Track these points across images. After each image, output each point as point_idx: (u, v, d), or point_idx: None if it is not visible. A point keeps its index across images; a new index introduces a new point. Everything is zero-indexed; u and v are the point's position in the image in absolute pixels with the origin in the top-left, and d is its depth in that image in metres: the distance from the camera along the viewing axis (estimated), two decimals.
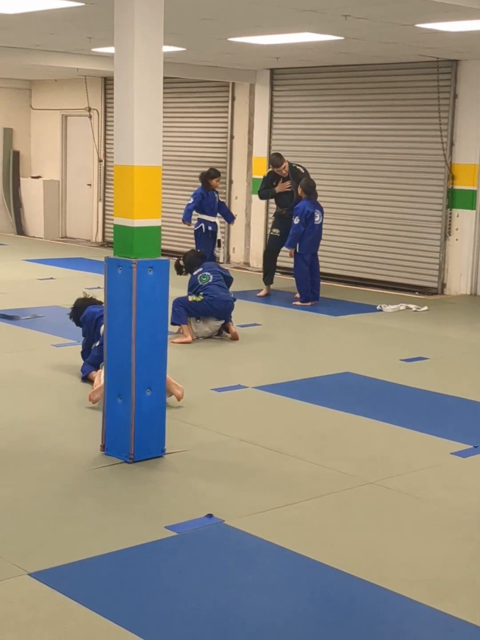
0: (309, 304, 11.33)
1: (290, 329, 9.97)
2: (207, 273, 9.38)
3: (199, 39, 10.77)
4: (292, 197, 11.73)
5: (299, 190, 11.46)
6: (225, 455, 5.84)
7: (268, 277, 12.08)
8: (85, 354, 7.58)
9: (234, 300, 9.33)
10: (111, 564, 4.29)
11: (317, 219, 11.42)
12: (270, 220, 12.80)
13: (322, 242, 13.44)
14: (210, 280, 9.29)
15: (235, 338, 9.08)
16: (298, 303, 11.35)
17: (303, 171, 11.83)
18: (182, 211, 12.35)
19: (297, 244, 11.37)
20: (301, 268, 11.46)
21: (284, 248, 11.76)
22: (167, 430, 5.72)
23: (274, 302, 11.52)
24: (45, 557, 4.29)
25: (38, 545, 4.43)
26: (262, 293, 11.95)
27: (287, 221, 11.69)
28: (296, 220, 11.30)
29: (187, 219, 12.06)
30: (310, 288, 11.47)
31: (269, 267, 12.10)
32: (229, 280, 9.58)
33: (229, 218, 12.67)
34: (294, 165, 11.86)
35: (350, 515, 4.93)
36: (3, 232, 18.22)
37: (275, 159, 11.80)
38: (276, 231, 12.04)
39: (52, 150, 18.31)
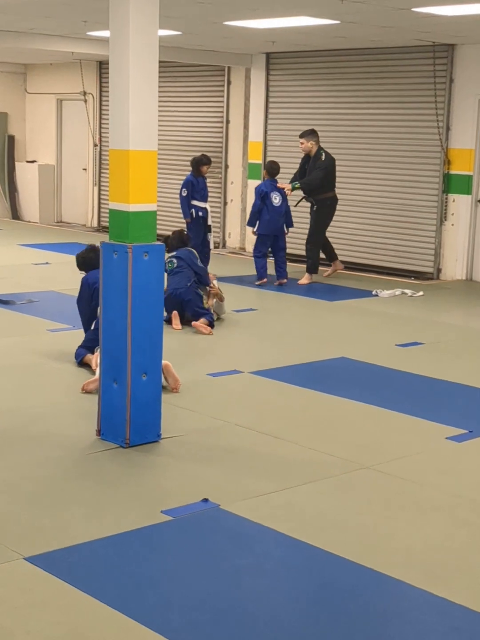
0: (264, 280, 11.47)
1: (285, 314, 9.97)
2: (173, 260, 9.36)
3: (195, 22, 10.73)
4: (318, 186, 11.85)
5: (263, 172, 11.79)
6: (221, 440, 5.84)
7: (329, 256, 12.40)
8: (85, 326, 7.54)
9: (191, 289, 9.11)
10: (107, 549, 4.29)
11: (277, 200, 11.53)
12: None
13: None
14: (174, 267, 9.30)
15: (208, 333, 8.79)
16: (257, 282, 11.51)
17: (323, 159, 11.83)
18: (178, 196, 12.29)
19: (257, 223, 11.59)
20: (259, 248, 11.64)
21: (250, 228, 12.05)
22: (162, 415, 5.72)
23: (270, 287, 11.50)
24: (41, 541, 4.30)
25: (34, 530, 4.44)
26: (329, 272, 12.38)
27: (311, 206, 11.97)
28: (254, 201, 11.61)
29: (188, 214, 12.02)
30: (266, 267, 11.64)
31: (324, 248, 12.32)
32: (198, 274, 9.34)
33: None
34: (322, 151, 11.86)
35: (345, 500, 4.95)
36: None
37: (310, 135, 11.79)
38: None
39: (47, 134, 18.25)
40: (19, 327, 8.76)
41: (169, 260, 9.36)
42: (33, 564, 4.07)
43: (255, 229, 11.62)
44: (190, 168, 12.23)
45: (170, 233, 14.66)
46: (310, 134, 11.85)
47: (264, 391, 6.99)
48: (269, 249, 11.76)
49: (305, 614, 3.79)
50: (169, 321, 8.76)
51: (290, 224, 11.81)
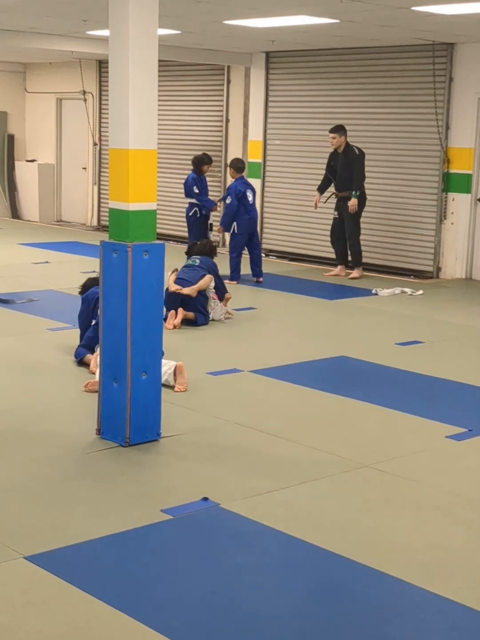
0: (234, 283, 11.41)
1: (285, 313, 9.97)
2: (197, 260, 9.37)
3: (194, 21, 10.73)
4: (351, 180, 11.89)
5: (230, 171, 11.82)
6: (221, 438, 5.85)
7: (339, 259, 12.48)
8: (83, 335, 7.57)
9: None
10: (107, 548, 4.30)
11: (250, 198, 11.63)
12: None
13: (319, 226, 13.49)
14: (194, 264, 9.30)
15: (177, 325, 8.84)
16: (227, 281, 11.38)
17: (358, 153, 11.89)
18: (176, 195, 12.32)
19: (235, 224, 11.59)
20: (235, 248, 11.67)
21: (218, 226, 12.10)
22: (162, 414, 5.73)
23: (270, 286, 11.51)
24: (41, 540, 4.31)
25: (34, 529, 4.44)
26: (332, 273, 12.46)
27: (341, 203, 12.05)
28: (228, 200, 11.56)
29: (212, 202, 12.06)
30: (239, 266, 11.68)
31: (337, 249, 12.45)
32: (216, 285, 9.32)
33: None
34: (352, 145, 11.98)
35: (345, 499, 4.95)
36: None
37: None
38: (336, 213, 12.31)
39: (47, 133, 18.25)
40: (19, 326, 8.76)
41: (193, 259, 9.45)
42: (33, 563, 4.08)
43: (235, 230, 11.60)
44: (191, 166, 12.27)
45: (171, 233, 14.75)
46: (341, 129, 12.00)
47: (264, 390, 6.99)
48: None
49: (305, 612, 3.80)
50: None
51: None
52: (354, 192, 11.88)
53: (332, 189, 12.30)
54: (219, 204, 12.05)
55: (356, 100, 13.18)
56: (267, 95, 14.28)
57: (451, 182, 12.35)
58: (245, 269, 11.79)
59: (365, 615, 3.78)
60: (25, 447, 5.54)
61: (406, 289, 11.38)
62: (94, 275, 8.04)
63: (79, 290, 8.02)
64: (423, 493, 5.08)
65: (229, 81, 14.92)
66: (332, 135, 11.98)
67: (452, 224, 12.44)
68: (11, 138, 18.37)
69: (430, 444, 5.87)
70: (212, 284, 9.24)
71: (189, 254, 9.87)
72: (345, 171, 11.97)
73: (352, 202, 11.89)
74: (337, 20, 10.13)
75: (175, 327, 8.79)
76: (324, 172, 12.46)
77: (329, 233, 12.65)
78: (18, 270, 11.93)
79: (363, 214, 12.44)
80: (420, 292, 11.34)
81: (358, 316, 9.91)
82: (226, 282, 10.88)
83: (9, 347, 7.94)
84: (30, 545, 4.25)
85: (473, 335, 9.10)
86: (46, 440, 5.68)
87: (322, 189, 12.38)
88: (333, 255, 13.54)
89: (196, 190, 12.02)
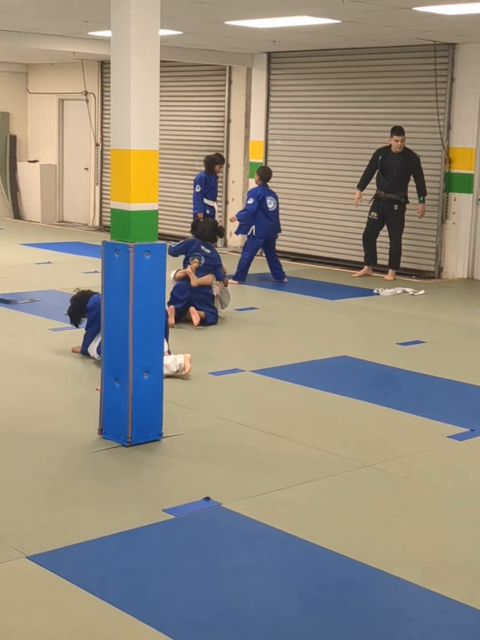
0: (236, 283, 11.37)
1: (287, 313, 9.98)
2: (202, 257, 9.36)
3: (196, 22, 10.74)
4: (405, 183, 11.91)
5: (256, 177, 11.85)
6: (223, 438, 5.86)
7: (369, 259, 12.43)
8: (87, 342, 7.54)
9: (203, 289, 9.19)
10: (109, 547, 4.30)
11: (271, 205, 11.65)
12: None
13: (320, 227, 13.48)
14: (201, 264, 9.30)
15: (197, 323, 8.93)
16: (230, 281, 11.05)
17: (418, 157, 11.92)
18: (178, 195, 12.34)
19: (253, 227, 11.60)
20: (249, 250, 11.71)
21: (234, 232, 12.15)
22: (164, 414, 5.73)
23: (271, 286, 11.52)
24: (44, 540, 4.31)
25: (36, 528, 4.45)
26: (360, 273, 12.45)
27: (385, 205, 11.98)
28: (250, 201, 11.59)
29: (200, 209, 12.04)
30: (247, 268, 11.71)
31: (369, 250, 12.39)
32: (216, 274, 9.37)
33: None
34: (410, 149, 12.00)
35: (347, 499, 4.95)
36: (0, 216, 18.19)
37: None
38: (374, 214, 12.22)
39: (49, 134, 18.26)
40: (21, 327, 8.77)
41: (197, 254, 9.36)
42: (35, 562, 4.08)
43: (254, 233, 11.61)
44: (203, 166, 12.34)
45: (172, 233, 14.71)
46: (400, 129, 11.94)
47: (266, 390, 7.00)
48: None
49: (307, 612, 3.80)
50: None
51: (279, 228, 11.94)
52: (421, 198, 11.93)
53: (371, 187, 12.21)
54: (199, 216, 12.00)
55: (358, 100, 13.18)
56: (268, 96, 14.28)
57: (453, 182, 12.35)
58: (265, 269, 11.85)
59: (367, 615, 3.78)
60: (27, 447, 5.55)
61: (408, 289, 11.38)
62: (96, 274, 7.99)
63: (68, 312, 7.87)
64: (425, 493, 5.09)
65: (230, 82, 14.92)
66: (401, 137, 11.86)
67: (453, 224, 12.44)
68: (13, 139, 18.38)
69: (432, 443, 5.88)
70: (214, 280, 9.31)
71: (193, 230, 9.76)
72: (402, 173, 11.92)
73: (422, 207, 11.95)
74: (339, 21, 10.13)
75: (195, 326, 8.86)
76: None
77: (336, 232, 12.62)
78: (20, 270, 11.95)
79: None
80: (422, 292, 11.34)
81: (359, 316, 9.91)
82: (229, 281, 10.92)
83: (11, 347, 7.95)
84: (33, 544, 4.26)
85: (475, 335, 9.11)
86: (48, 440, 5.68)
87: (362, 186, 12.26)
88: (334, 255, 13.60)
89: (197, 189, 12.04)
